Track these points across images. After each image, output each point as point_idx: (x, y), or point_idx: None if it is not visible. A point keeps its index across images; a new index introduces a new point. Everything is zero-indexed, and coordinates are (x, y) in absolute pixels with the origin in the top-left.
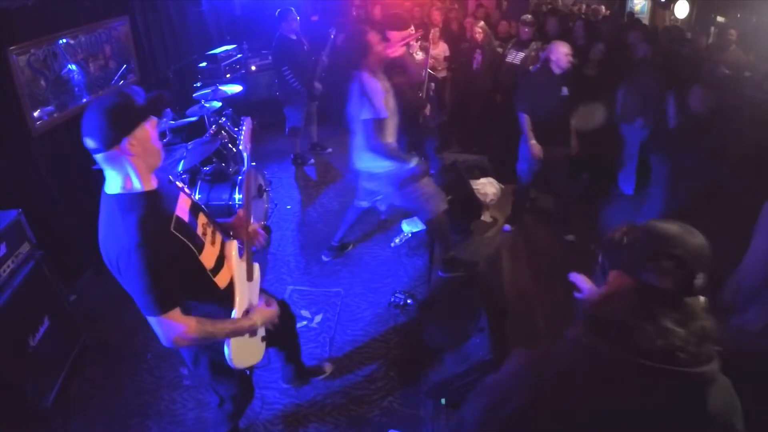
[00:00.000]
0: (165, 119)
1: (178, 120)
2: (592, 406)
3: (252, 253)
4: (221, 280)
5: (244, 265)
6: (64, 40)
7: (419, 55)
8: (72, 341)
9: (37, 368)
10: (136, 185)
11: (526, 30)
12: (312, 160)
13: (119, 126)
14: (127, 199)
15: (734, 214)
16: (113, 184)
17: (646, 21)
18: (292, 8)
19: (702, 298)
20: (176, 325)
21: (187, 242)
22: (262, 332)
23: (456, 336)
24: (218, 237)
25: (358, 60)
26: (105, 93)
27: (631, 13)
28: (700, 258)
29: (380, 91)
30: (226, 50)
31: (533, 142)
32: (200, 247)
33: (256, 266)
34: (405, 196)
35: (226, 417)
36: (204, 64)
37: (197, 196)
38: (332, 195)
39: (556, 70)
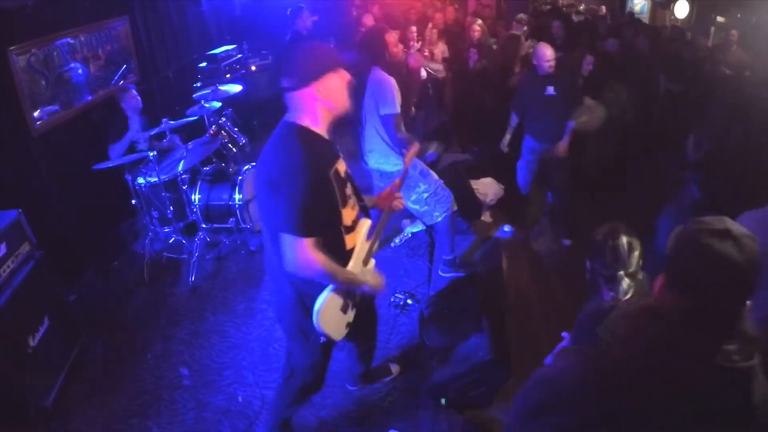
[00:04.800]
0: (164, 120)
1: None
2: (667, 409)
3: (377, 244)
4: (348, 242)
5: (367, 246)
6: (65, 40)
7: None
8: (72, 341)
9: (37, 368)
10: (316, 125)
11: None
12: None
13: (310, 71)
14: (307, 131)
15: None
16: (298, 115)
17: (645, 21)
18: (303, 6)
19: None
20: (309, 253)
21: (337, 192)
22: (350, 317)
23: (456, 336)
24: (357, 209)
25: (376, 56)
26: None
27: (631, 13)
28: None
29: (395, 87)
30: (226, 50)
31: (506, 135)
32: (344, 202)
33: (373, 261)
34: (415, 196)
35: (286, 396)
36: (204, 64)
37: (197, 196)
38: None
39: (539, 72)
